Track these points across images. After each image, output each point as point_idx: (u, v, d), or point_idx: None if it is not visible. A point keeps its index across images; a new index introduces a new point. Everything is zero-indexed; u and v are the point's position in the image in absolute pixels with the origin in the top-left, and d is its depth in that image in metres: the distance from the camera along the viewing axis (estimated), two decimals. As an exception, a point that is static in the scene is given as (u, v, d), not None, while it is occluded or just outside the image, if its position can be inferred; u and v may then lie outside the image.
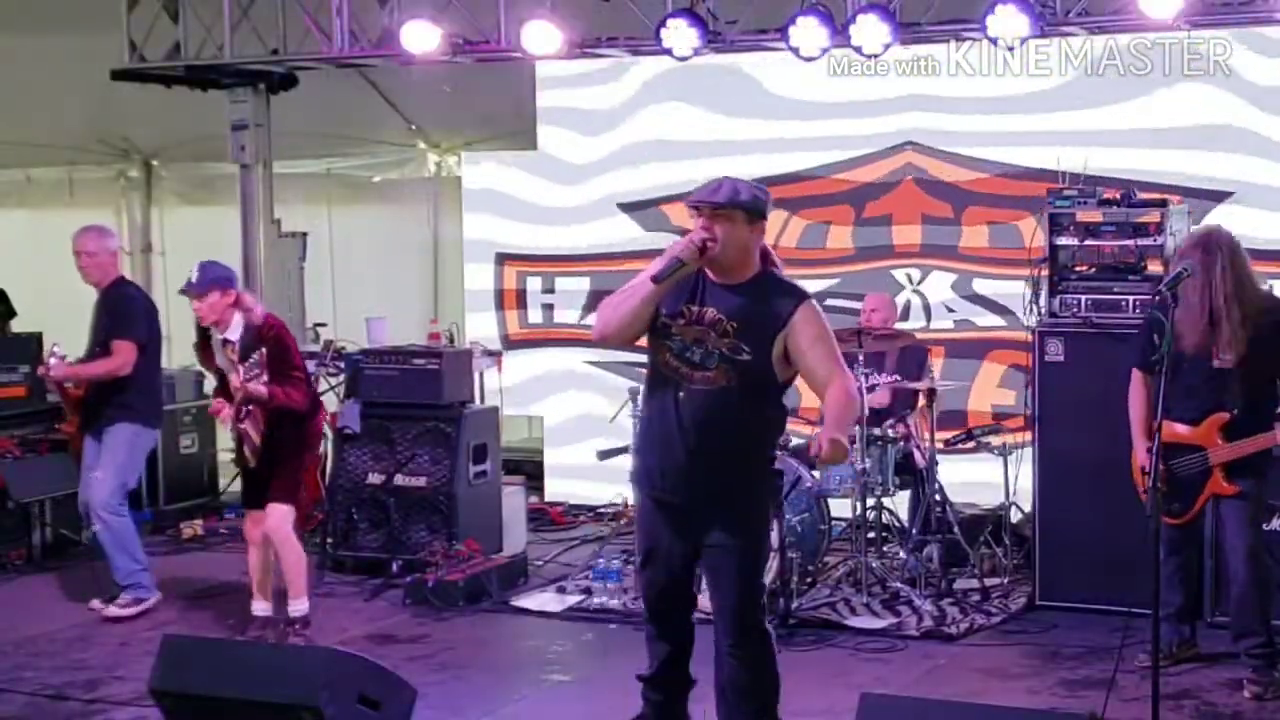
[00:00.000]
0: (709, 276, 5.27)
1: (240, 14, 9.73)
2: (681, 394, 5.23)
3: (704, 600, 7.64)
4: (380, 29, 9.44)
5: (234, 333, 7.08)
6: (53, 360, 7.82)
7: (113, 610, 7.85)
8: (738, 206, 5.17)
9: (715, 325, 5.21)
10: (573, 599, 8.07)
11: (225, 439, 10.76)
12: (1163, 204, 7.74)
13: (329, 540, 8.88)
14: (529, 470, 10.50)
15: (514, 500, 9.12)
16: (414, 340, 9.58)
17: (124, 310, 7.86)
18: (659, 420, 5.32)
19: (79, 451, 8.08)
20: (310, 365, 9.64)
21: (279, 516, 7.22)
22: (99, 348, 7.86)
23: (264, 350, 6.96)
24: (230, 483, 10.83)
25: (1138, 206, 7.70)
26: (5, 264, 12.06)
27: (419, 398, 8.83)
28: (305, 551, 7.51)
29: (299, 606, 7.35)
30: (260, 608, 7.38)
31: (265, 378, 6.94)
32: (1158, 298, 6.37)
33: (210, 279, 7.06)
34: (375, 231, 11.65)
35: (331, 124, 11.23)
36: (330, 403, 9.70)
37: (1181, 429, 6.39)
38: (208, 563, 9.16)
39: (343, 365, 9.42)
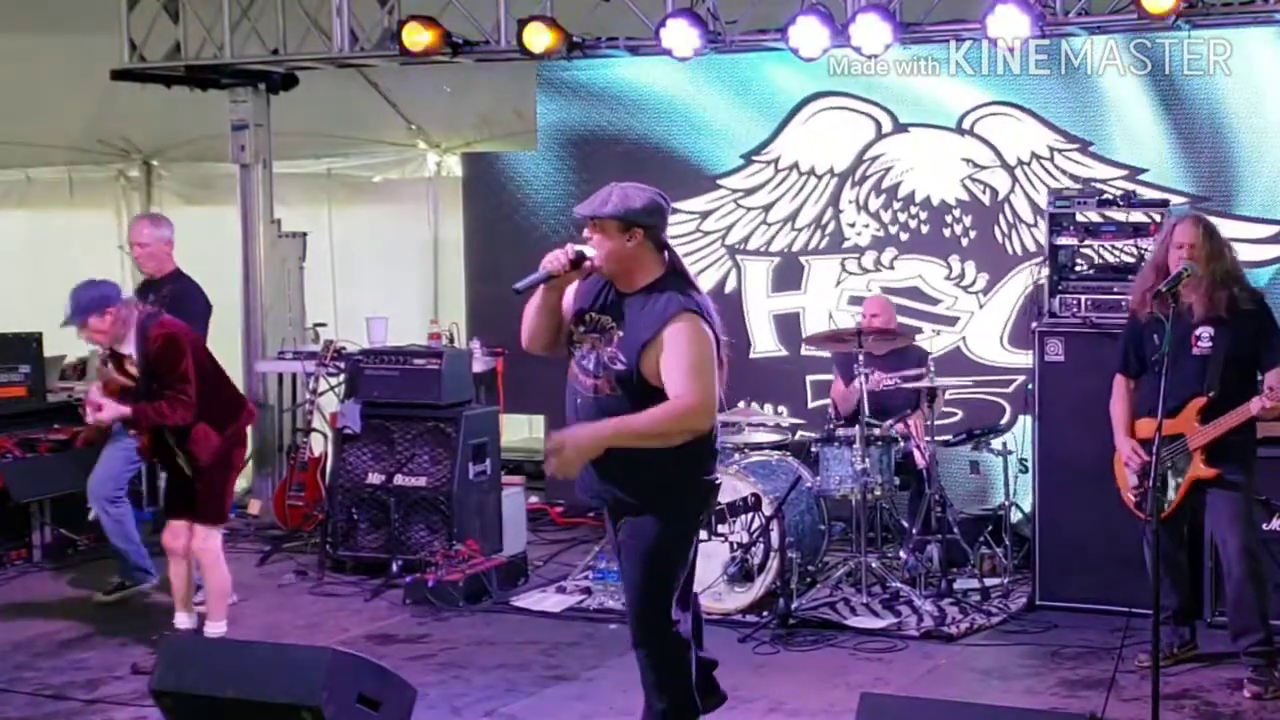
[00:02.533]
0: (615, 284, 5.28)
1: (240, 14, 9.72)
2: (579, 401, 5.29)
3: (705, 602, 7.70)
4: (380, 29, 9.44)
5: (131, 346, 6.82)
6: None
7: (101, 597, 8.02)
8: (604, 217, 5.17)
9: (606, 333, 5.23)
10: (573, 599, 8.08)
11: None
12: (1163, 204, 7.76)
13: (329, 540, 8.89)
14: (529, 470, 10.50)
15: (514, 500, 9.12)
16: (414, 340, 9.59)
17: (184, 308, 7.65)
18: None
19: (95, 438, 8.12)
20: (310, 365, 9.74)
21: (202, 536, 7.00)
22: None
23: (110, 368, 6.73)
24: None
25: (1138, 207, 7.73)
26: (5, 264, 12.06)
27: (419, 398, 8.83)
28: (229, 571, 7.26)
29: (216, 629, 7.08)
30: (183, 620, 7.11)
31: (99, 401, 6.70)
32: (1156, 299, 6.38)
33: (80, 309, 6.75)
34: (375, 231, 11.63)
35: (331, 124, 11.22)
36: (330, 403, 9.74)
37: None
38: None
39: (343, 365, 9.42)
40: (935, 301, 9.42)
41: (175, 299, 7.80)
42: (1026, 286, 8.84)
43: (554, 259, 5.18)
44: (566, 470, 5.07)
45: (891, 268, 9.50)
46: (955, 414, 9.13)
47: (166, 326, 6.87)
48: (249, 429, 7.42)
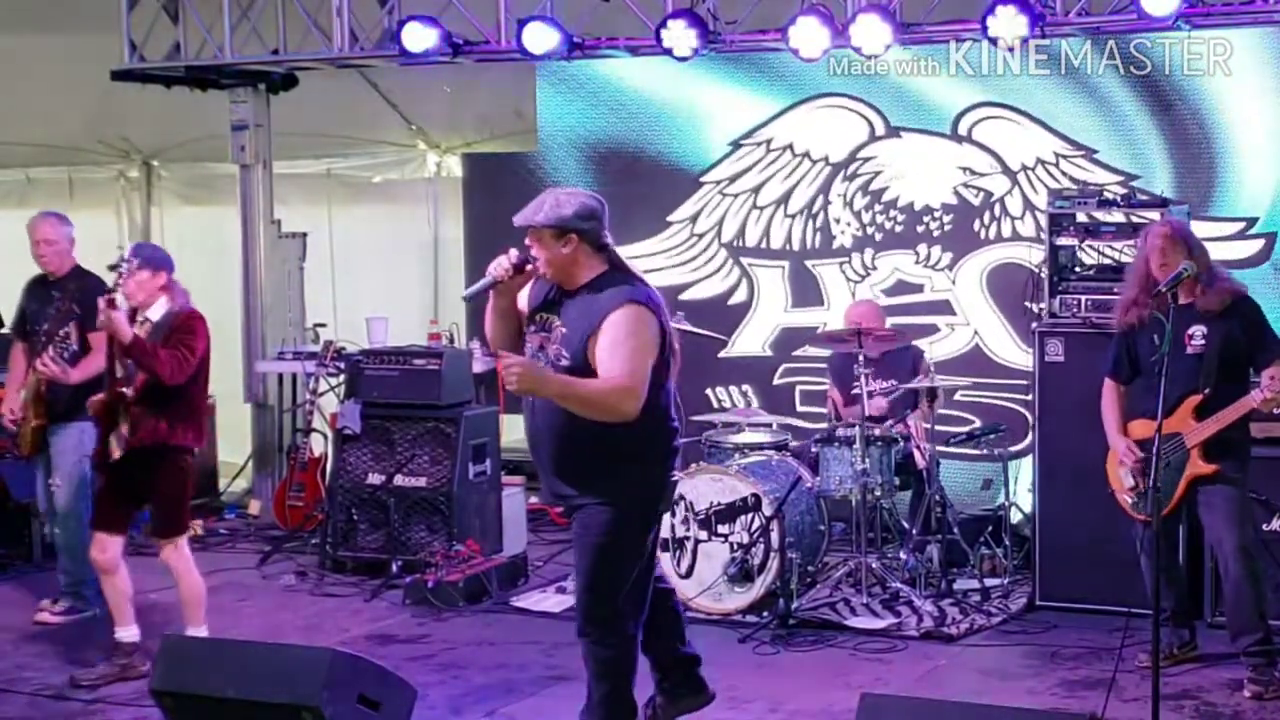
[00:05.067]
0: (559, 286, 5.43)
1: (240, 14, 9.71)
2: (529, 399, 5.41)
3: (705, 602, 7.70)
4: (380, 29, 9.45)
5: (155, 313, 6.79)
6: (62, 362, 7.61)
7: (46, 615, 7.88)
8: (539, 226, 5.31)
9: (552, 332, 5.39)
10: (572, 599, 8.06)
11: (225, 439, 10.83)
12: (1163, 204, 7.75)
13: (329, 541, 8.89)
14: (529, 471, 10.49)
15: (514, 500, 9.12)
16: (414, 340, 9.59)
17: (95, 303, 7.35)
18: (526, 429, 5.53)
19: (32, 452, 7.95)
20: (310, 365, 9.74)
21: (170, 552, 6.86)
22: (60, 336, 7.70)
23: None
24: (230, 483, 10.87)
25: (1137, 207, 7.73)
26: (5, 264, 12.04)
27: (419, 398, 8.84)
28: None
29: (199, 635, 6.86)
30: (127, 633, 6.98)
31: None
32: (1156, 297, 6.39)
33: (145, 257, 6.83)
34: (375, 231, 11.62)
35: (331, 124, 11.21)
36: (330, 403, 9.73)
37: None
38: (208, 562, 9.10)
39: (343, 365, 9.42)
40: (918, 289, 9.43)
41: (85, 295, 7.56)
42: (991, 263, 9.00)
43: (498, 265, 5.41)
44: (523, 384, 5.11)
45: (875, 267, 9.50)
46: (971, 420, 9.08)
47: (200, 315, 6.94)
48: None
